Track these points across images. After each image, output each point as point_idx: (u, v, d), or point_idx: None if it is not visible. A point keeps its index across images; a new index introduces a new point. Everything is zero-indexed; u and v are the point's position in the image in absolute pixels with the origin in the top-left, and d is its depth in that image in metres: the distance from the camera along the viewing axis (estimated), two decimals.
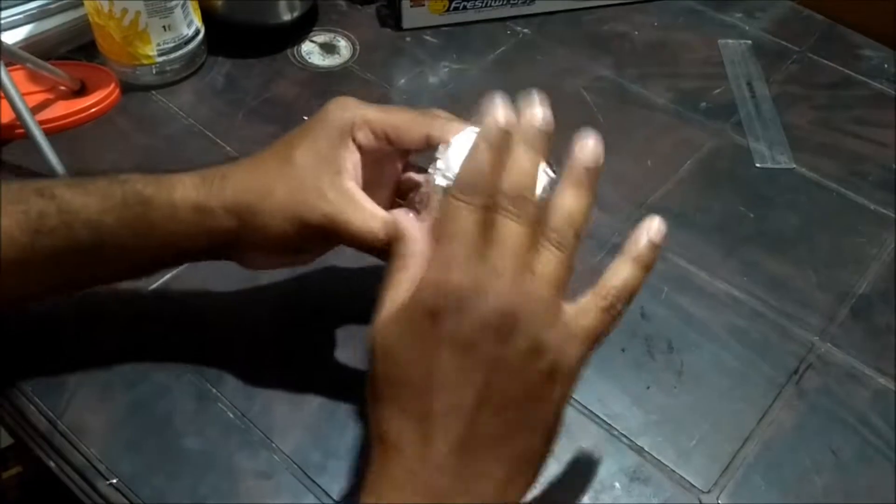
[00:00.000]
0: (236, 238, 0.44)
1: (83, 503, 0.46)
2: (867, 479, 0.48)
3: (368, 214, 0.42)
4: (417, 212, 0.42)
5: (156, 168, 0.45)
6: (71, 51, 0.72)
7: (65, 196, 0.42)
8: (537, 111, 0.37)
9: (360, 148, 0.44)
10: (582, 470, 0.48)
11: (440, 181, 0.41)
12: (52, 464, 0.47)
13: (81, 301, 0.53)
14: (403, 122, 0.44)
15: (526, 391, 0.35)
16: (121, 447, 0.47)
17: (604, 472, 0.48)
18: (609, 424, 0.50)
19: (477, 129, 0.38)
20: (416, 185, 0.46)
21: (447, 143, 0.42)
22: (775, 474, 0.48)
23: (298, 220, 0.42)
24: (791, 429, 0.50)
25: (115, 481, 0.46)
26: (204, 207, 0.43)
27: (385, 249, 0.41)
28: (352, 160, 0.43)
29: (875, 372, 0.54)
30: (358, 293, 0.55)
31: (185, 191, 0.43)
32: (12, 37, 0.68)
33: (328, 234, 0.42)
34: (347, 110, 0.44)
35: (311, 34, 0.77)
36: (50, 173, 0.60)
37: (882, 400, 0.52)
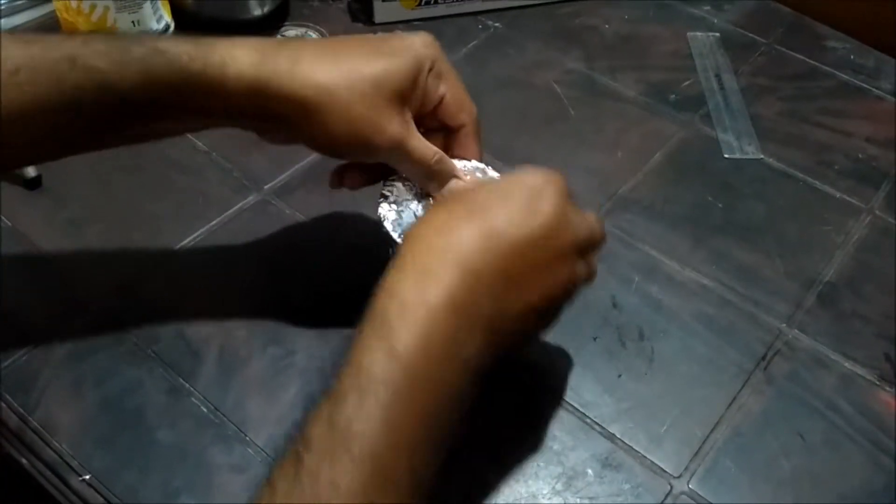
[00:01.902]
0: (285, 124, 0.43)
1: (56, 500, 0.46)
2: (834, 461, 0.49)
3: (424, 143, 0.46)
4: None
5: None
6: None
7: (100, 66, 0.40)
8: None
9: (421, 85, 0.45)
10: (554, 458, 0.48)
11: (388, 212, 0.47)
12: (23, 461, 0.47)
13: (52, 296, 0.53)
14: (457, 97, 0.47)
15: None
16: (93, 443, 0.47)
17: (576, 460, 0.48)
18: (581, 412, 0.50)
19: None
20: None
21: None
22: (745, 458, 0.49)
23: (364, 136, 0.43)
24: (759, 413, 0.51)
25: (87, 477, 0.45)
26: (263, 90, 0.41)
27: (429, 176, 0.47)
28: (416, 95, 0.45)
29: (841, 357, 0.54)
30: (332, 287, 0.56)
31: (239, 66, 0.41)
32: None
33: (387, 153, 0.44)
34: (433, 49, 0.46)
35: (283, 29, 0.77)
36: (21, 174, 0.59)
37: (848, 384, 0.53)
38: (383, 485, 0.32)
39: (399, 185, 0.49)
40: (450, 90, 0.47)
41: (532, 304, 0.39)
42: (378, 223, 0.47)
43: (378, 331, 0.35)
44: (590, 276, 0.44)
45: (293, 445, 0.33)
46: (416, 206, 0.48)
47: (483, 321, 0.37)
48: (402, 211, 0.48)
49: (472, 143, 0.49)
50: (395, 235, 0.46)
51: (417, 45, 0.45)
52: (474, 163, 0.50)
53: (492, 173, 0.50)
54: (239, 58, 0.41)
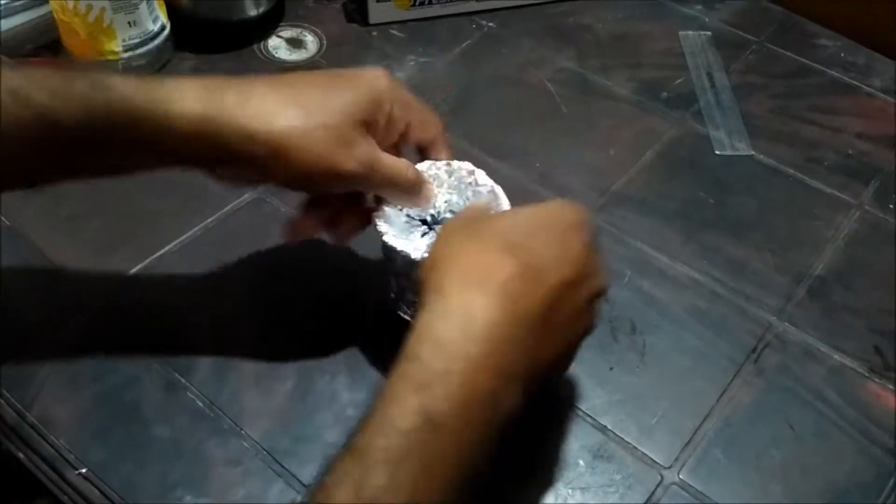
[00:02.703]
0: (246, 164, 0.41)
1: (53, 493, 0.47)
2: (823, 452, 0.50)
3: (394, 160, 0.45)
4: None
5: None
6: (37, 48, 0.71)
7: (42, 100, 0.38)
8: None
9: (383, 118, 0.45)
10: (546, 449, 0.49)
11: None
12: (21, 455, 0.47)
13: (49, 292, 0.53)
14: (422, 118, 0.47)
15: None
16: (90, 437, 0.47)
17: (567, 451, 0.49)
18: (573, 404, 0.51)
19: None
20: None
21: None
22: (735, 449, 0.49)
23: (333, 165, 0.42)
24: (750, 405, 0.52)
25: (84, 471, 0.46)
26: (212, 129, 0.40)
27: (409, 190, 0.46)
28: (380, 127, 0.44)
29: (831, 349, 0.55)
30: (326, 283, 0.56)
31: (185, 102, 0.39)
32: None
33: (359, 178, 0.43)
34: (387, 80, 0.45)
35: (278, 29, 0.78)
36: None
37: (837, 376, 0.54)
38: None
39: (387, 209, 0.47)
40: (414, 115, 0.46)
41: (561, 349, 0.39)
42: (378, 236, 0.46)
43: (413, 383, 0.34)
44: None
45: (341, 452, 0.33)
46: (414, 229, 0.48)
47: (523, 372, 0.36)
48: (401, 227, 0.47)
49: (444, 150, 0.49)
50: (397, 245, 0.45)
51: (371, 78, 0.44)
52: (439, 163, 0.49)
53: (457, 165, 0.49)
54: (186, 93, 0.40)
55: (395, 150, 0.47)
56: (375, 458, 0.32)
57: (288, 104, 0.41)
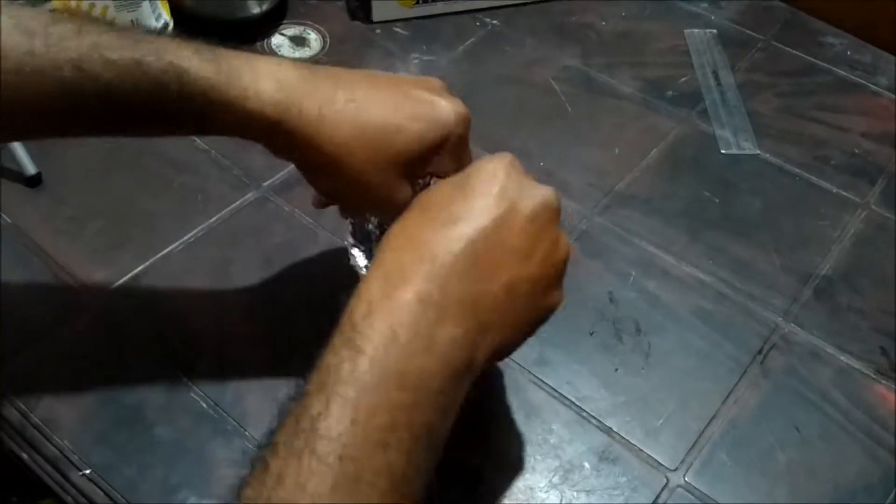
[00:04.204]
0: (298, 161, 0.43)
1: (57, 494, 0.46)
2: (830, 454, 0.50)
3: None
4: None
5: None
6: None
7: (109, 79, 0.38)
8: None
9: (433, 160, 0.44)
10: (551, 451, 0.48)
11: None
12: (24, 456, 0.47)
13: (52, 292, 0.53)
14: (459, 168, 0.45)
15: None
16: (93, 438, 0.47)
17: (572, 453, 0.48)
18: (578, 406, 0.51)
19: None
20: None
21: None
22: (740, 452, 0.49)
23: (373, 201, 0.43)
24: (755, 407, 0.51)
25: (88, 472, 0.46)
26: (281, 131, 0.40)
27: None
28: (425, 163, 0.44)
29: (837, 350, 0.55)
30: (330, 283, 0.56)
31: (262, 102, 0.39)
32: None
33: (389, 216, 0.42)
34: (462, 127, 0.44)
35: (281, 27, 0.77)
36: (21, 171, 0.60)
37: (844, 377, 0.53)
38: (354, 485, 0.31)
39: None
40: (457, 165, 0.45)
41: (513, 282, 0.37)
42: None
43: (345, 332, 0.34)
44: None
45: (261, 452, 0.32)
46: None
47: (455, 307, 0.35)
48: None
49: None
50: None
51: (451, 118, 0.43)
52: None
53: None
54: (263, 93, 0.39)
55: None
56: (312, 393, 0.32)
57: (355, 129, 0.41)
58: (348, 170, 0.41)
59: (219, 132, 0.41)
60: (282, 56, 0.74)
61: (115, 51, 0.38)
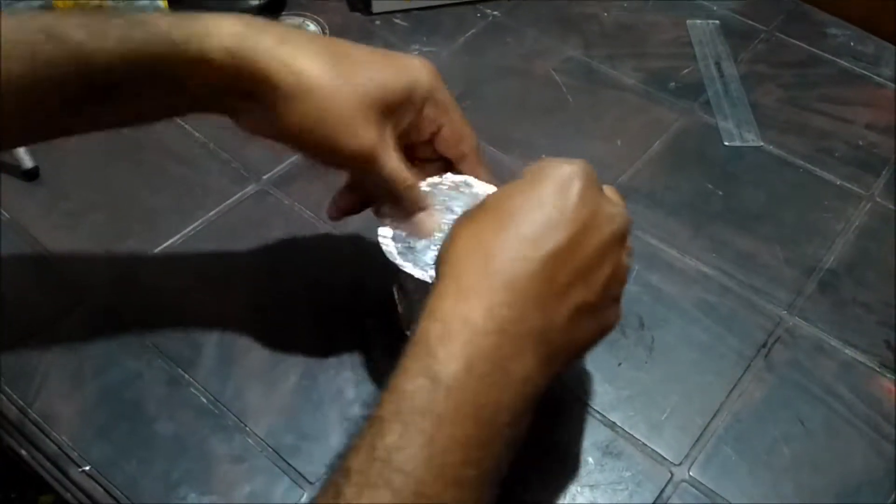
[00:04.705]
0: (258, 104, 0.41)
1: (56, 491, 0.46)
2: (835, 447, 0.49)
3: (400, 165, 0.43)
4: None
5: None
6: None
7: (76, 37, 0.38)
8: None
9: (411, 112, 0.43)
10: (555, 447, 0.48)
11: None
12: (23, 452, 0.47)
13: (50, 287, 0.53)
14: (455, 129, 0.45)
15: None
16: (92, 434, 0.47)
17: (576, 448, 0.48)
18: (582, 401, 0.50)
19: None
20: None
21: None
22: (745, 445, 0.49)
23: (333, 136, 0.41)
24: (760, 400, 0.51)
25: (87, 468, 0.46)
26: (240, 63, 0.39)
27: (403, 200, 0.44)
28: (404, 119, 0.43)
29: (841, 344, 0.54)
30: (330, 276, 0.56)
31: (222, 37, 0.39)
32: None
33: (356, 162, 0.42)
34: (432, 77, 0.43)
35: (280, 19, 0.77)
36: (19, 165, 0.59)
37: (849, 371, 0.53)
38: None
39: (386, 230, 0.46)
40: (448, 123, 0.45)
41: (580, 307, 0.37)
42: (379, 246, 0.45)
43: (420, 357, 0.34)
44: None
45: (333, 476, 0.32)
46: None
47: (533, 336, 0.35)
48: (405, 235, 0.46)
49: (475, 170, 0.47)
50: (397, 257, 0.44)
51: (417, 66, 0.43)
52: (460, 176, 0.47)
53: (478, 188, 0.47)
54: (223, 28, 0.39)
55: (412, 154, 0.46)
56: (387, 420, 0.32)
57: (322, 56, 0.40)
58: (306, 101, 0.40)
59: (183, 88, 0.40)
60: None
61: (80, 14, 0.40)
